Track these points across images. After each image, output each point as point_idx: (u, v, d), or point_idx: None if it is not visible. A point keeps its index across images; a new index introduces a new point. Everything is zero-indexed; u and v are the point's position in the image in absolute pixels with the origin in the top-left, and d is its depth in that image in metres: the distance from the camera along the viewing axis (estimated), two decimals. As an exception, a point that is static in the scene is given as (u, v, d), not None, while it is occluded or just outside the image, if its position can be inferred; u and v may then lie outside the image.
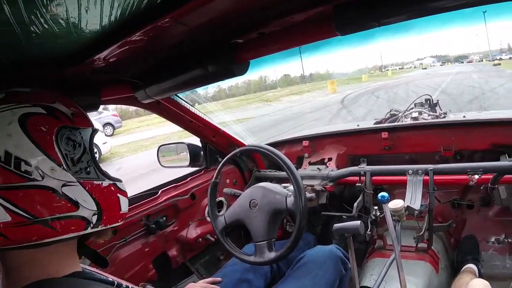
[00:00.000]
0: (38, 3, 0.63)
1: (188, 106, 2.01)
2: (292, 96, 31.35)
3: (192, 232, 2.14)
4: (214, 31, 1.11)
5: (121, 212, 0.90)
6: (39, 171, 0.73)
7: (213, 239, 2.18)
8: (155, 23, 0.85)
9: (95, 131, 0.88)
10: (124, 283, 0.94)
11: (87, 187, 0.81)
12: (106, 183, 0.86)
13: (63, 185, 0.76)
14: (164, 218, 2.03)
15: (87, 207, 0.80)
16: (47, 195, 0.74)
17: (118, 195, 0.89)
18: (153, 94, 1.53)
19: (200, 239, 2.15)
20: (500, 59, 46.46)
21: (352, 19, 0.98)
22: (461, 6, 0.85)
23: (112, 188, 0.87)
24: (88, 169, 0.83)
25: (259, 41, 1.21)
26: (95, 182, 0.83)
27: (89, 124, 0.87)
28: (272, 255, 1.51)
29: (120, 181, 0.91)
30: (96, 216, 0.82)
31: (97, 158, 0.88)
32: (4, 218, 0.71)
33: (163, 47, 1.17)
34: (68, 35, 0.82)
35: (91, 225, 0.81)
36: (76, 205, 0.78)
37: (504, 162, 1.79)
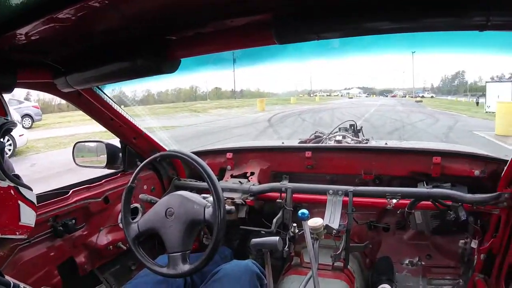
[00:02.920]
0: None
1: (111, 102, 1.91)
2: (221, 110, 31.59)
3: (103, 238, 2.02)
4: (149, 23, 1.09)
5: (20, 224, 0.78)
6: None
7: (125, 248, 2.08)
8: (87, 1, 0.79)
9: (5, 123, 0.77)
10: (22, 285, 0.82)
11: None
12: (4, 184, 0.75)
13: None
14: (73, 220, 1.89)
15: None
16: None
17: (20, 202, 0.78)
18: (74, 83, 1.45)
19: (111, 246, 2.04)
20: (423, 96, 51.51)
21: (292, 29, 1.01)
22: (394, 30, 0.90)
23: (12, 191, 0.76)
24: None
25: (194, 40, 1.20)
26: None
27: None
28: (186, 267, 1.47)
29: (29, 188, 0.80)
30: None
31: (11, 151, 0.76)
32: None
33: (92, 32, 1.11)
34: None
35: None
36: None
37: (421, 189, 1.95)
